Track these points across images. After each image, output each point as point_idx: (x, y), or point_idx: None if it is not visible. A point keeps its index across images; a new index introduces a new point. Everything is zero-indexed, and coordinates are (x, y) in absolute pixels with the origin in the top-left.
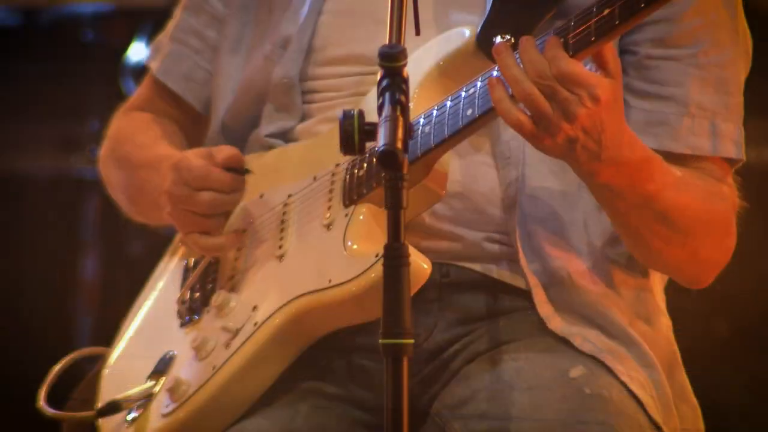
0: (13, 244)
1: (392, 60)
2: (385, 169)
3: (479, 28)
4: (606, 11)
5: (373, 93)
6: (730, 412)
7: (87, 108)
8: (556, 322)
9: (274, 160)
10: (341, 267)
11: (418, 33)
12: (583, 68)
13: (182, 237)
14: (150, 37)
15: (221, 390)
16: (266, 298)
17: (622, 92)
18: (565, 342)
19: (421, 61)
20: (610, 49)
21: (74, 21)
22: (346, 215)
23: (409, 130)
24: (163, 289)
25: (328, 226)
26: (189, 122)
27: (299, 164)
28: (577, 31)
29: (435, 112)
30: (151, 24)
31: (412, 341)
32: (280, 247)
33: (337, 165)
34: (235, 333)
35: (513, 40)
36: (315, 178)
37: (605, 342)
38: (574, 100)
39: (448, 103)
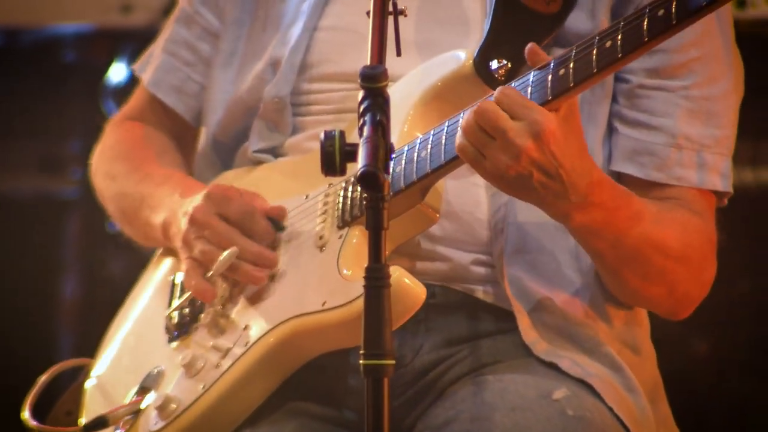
0: None
1: (373, 81)
2: (365, 190)
3: (476, 52)
4: (608, 43)
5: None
6: (711, 430)
7: (68, 128)
8: (542, 347)
9: (264, 175)
10: (335, 291)
11: (399, 54)
12: (524, 96)
13: (183, 259)
14: (131, 58)
15: (210, 409)
16: (258, 318)
17: (579, 129)
18: (549, 364)
19: (415, 83)
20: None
21: (55, 42)
22: (340, 237)
23: (389, 150)
24: (148, 302)
25: (322, 248)
26: (181, 133)
27: (290, 181)
28: (579, 60)
29: (432, 136)
30: (132, 45)
31: (393, 362)
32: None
33: (330, 185)
34: (226, 352)
35: (509, 66)
36: (307, 197)
37: (592, 365)
38: (515, 133)
39: (446, 127)
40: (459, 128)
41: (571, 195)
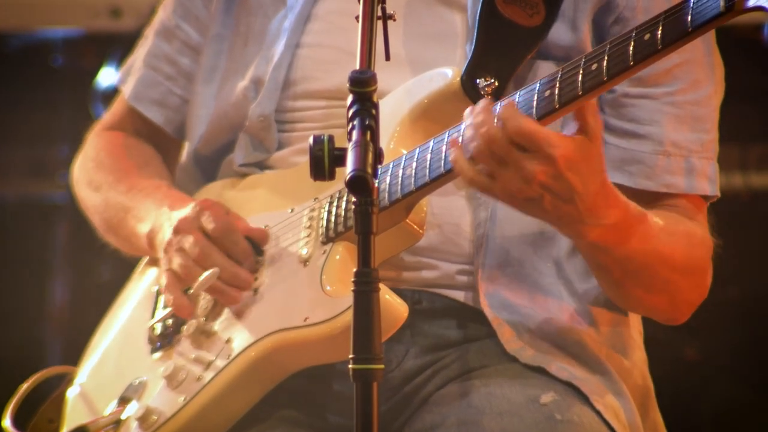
0: None
1: (362, 85)
2: (354, 194)
3: (463, 70)
4: (594, 66)
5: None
6: None
7: (57, 133)
8: (528, 354)
9: (249, 188)
10: (318, 306)
11: (387, 58)
12: (537, 126)
13: (163, 271)
14: (120, 62)
15: (191, 421)
16: (241, 331)
17: (599, 154)
18: (536, 368)
19: (402, 100)
20: (591, 107)
21: (44, 46)
22: (324, 253)
23: (379, 154)
24: (132, 312)
25: (305, 263)
26: (162, 144)
27: (275, 194)
28: (564, 81)
29: (418, 153)
30: (120, 49)
31: (382, 366)
32: (255, 279)
33: (316, 199)
34: (208, 365)
35: (496, 84)
36: (292, 210)
37: (580, 369)
38: (527, 159)
39: (432, 145)
40: (468, 156)
41: (587, 218)
